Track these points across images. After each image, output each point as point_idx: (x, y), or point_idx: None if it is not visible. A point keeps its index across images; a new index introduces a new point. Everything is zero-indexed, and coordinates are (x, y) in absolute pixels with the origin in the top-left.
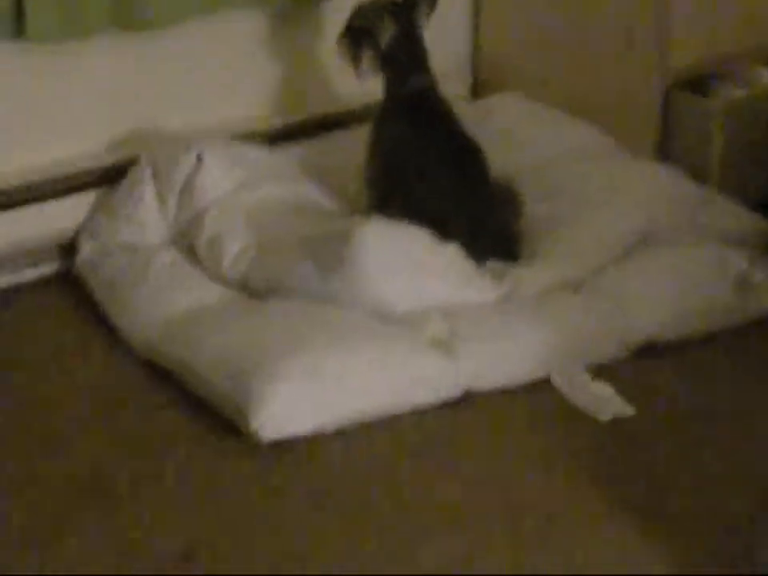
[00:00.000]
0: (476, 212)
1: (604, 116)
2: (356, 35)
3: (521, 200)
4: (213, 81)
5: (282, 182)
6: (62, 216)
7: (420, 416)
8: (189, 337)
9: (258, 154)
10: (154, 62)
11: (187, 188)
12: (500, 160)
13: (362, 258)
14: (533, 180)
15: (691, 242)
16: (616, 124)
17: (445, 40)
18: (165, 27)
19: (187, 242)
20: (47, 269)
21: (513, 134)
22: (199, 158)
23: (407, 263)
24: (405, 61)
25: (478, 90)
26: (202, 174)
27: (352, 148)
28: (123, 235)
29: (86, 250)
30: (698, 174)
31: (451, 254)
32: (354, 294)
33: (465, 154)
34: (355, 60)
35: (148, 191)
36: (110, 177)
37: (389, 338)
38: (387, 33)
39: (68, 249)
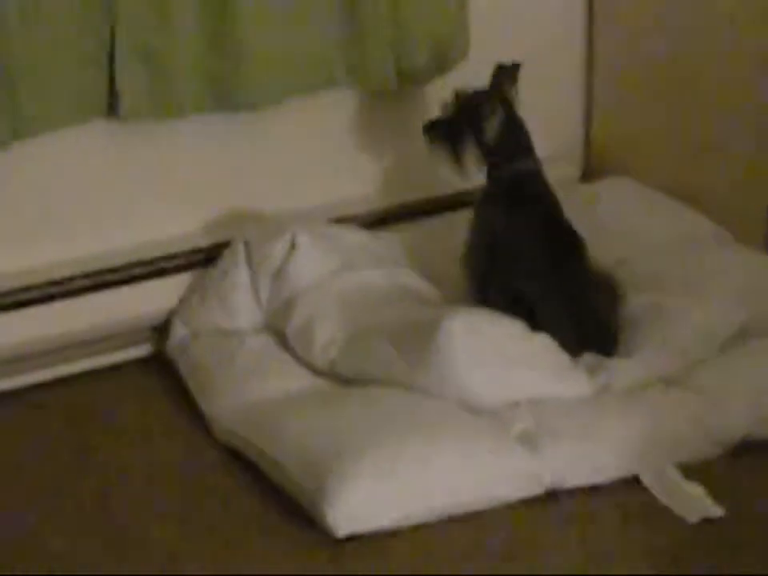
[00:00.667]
0: (573, 301)
1: (715, 205)
2: (455, 130)
3: (621, 291)
4: (312, 163)
5: (378, 267)
6: (156, 298)
7: (502, 513)
8: (270, 423)
9: (354, 238)
10: (253, 142)
11: (281, 273)
12: (604, 246)
13: (447, 349)
14: (636, 268)
15: None
16: (727, 214)
17: (557, 123)
18: (261, 109)
19: (278, 327)
20: (141, 351)
21: (618, 220)
22: (294, 243)
23: (496, 354)
24: (511, 146)
25: (588, 174)
26: (295, 259)
27: (454, 233)
28: (215, 319)
29: (178, 332)
30: None
31: (543, 346)
32: (439, 386)
33: (565, 241)
34: (458, 157)
35: (241, 275)
36: (204, 259)
37: (473, 432)
38: (496, 122)
39: (162, 331)
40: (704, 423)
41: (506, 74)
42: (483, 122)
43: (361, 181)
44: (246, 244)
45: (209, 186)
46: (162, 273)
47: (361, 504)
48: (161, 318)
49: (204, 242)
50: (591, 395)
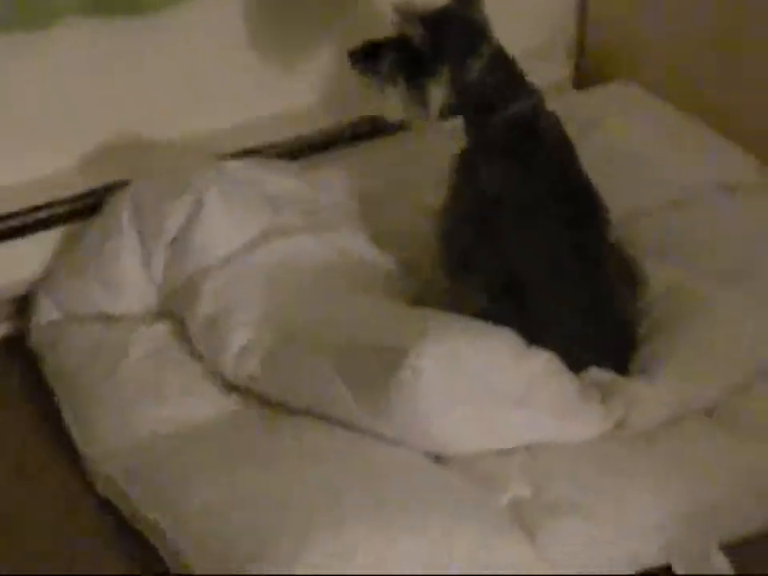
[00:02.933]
0: (587, 292)
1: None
2: (417, 63)
3: (642, 277)
4: (222, 72)
5: (313, 229)
6: (13, 263)
7: None
8: (163, 480)
9: (280, 184)
10: (141, 54)
11: (181, 242)
12: (611, 190)
13: (414, 390)
14: (655, 226)
15: None
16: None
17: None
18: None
19: (179, 313)
20: None
21: (629, 156)
22: (199, 201)
23: (478, 391)
24: (502, 84)
25: (582, 77)
26: (201, 224)
27: (411, 161)
28: (94, 298)
29: (44, 314)
30: None
31: (543, 369)
32: (402, 434)
33: (580, 208)
34: (421, 99)
35: (128, 241)
36: (80, 211)
37: (448, 508)
38: (485, 55)
39: (23, 306)
40: (756, 478)
41: None
42: (467, 56)
43: (287, 94)
44: (134, 199)
45: (86, 111)
46: (21, 230)
47: None
48: (21, 289)
49: (79, 186)
50: (606, 436)
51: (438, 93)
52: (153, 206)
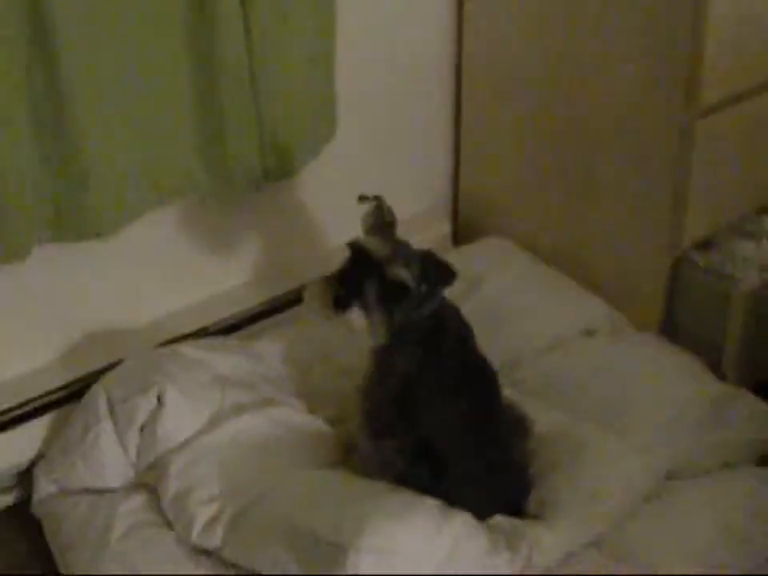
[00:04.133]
0: (490, 447)
1: (602, 273)
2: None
3: (528, 424)
4: (168, 272)
5: (256, 406)
6: (14, 447)
7: None
8: None
9: (226, 363)
10: (99, 266)
11: (148, 429)
12: (494, 341)
13: None
14: (530, 372)
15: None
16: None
17: (426, 179)
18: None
19: (153, 485)
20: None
21: (507, 310)
22: (161, 399)
23: (411, 563)
24: (426, 288)
25: (458, 232)
26: (163, 418)
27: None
28: (81, 476)
29: (43, 488)
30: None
31: (464, 528)
32: None
33: (479, 377)
34: (343, 307)
35: (105, 430)
36: (69, 396)
37: None
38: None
39: (26, 479)
40: None
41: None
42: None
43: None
44: (107, 392)
45: (60, 317)
46: (19, 420)
47: None
48: (23, 464)
49: (60, 379)
50: None
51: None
52: (123, 400)
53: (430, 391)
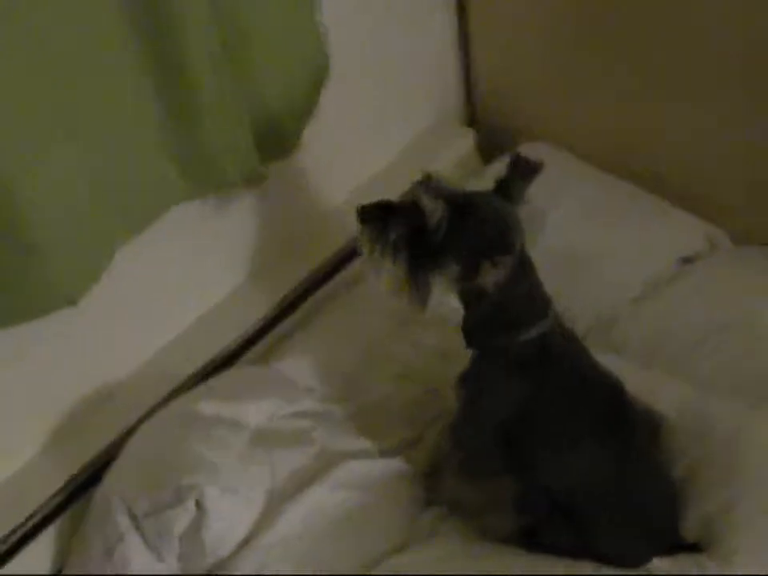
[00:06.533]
0: (636, 490)
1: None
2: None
3: (660, 422)
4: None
5: (320, 472)
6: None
7: None
8: None
9: (257, 409)
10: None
11: (191, 539)
12: (573, 296)
13: None
14: (635, 332)
15: None
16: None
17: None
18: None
19: None
20: None
21: (581, 247)
22: (200, 505)
23: None
24: (517, 307)
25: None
26: (208, 522)
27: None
28: None
29: None
30: None
31: None
32: None
33: (607, 403)
34: (416, 292)
35: (130, 546)
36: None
37: None
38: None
39: None
40: None
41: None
42: (484, 262)
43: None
44: (125, 502)
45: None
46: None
47: None
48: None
49: (55, 481)
50: None
51: (439, 290)
52: (150, 514)
53: (546, 432)
